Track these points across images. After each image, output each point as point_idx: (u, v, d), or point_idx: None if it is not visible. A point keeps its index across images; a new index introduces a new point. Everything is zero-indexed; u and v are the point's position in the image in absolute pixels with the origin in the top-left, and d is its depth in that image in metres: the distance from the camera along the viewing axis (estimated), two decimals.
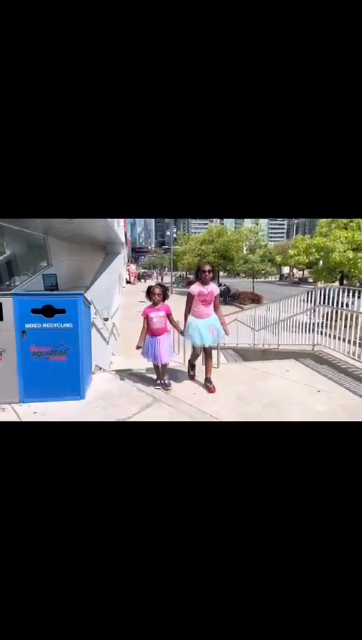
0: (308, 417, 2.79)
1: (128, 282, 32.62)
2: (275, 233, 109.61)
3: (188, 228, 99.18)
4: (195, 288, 3.31)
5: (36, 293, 3.27)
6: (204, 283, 3.30)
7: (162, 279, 39.32)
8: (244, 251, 24.48)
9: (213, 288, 3.34)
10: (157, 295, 3.36)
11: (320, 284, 5.23)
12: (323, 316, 4.60)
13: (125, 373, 3.88)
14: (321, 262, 13.61)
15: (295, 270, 41.96)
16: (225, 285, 21.22)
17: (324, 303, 4.51)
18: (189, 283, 32.42)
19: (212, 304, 3.36)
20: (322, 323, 4.58)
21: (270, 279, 35.08)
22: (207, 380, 3.41)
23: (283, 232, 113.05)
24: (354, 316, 3.98)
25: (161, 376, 3.46)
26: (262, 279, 28.17)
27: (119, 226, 16.83)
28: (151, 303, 3.40)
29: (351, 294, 4.09)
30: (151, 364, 3.57)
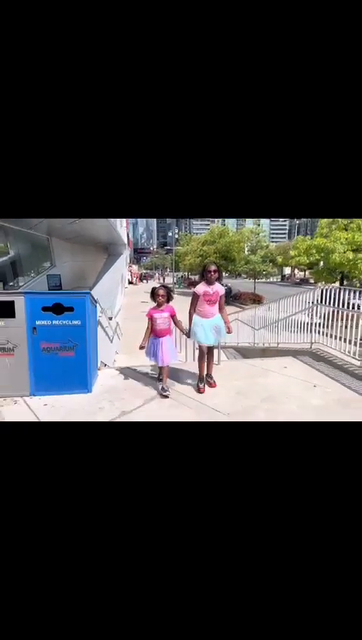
0: (303, 410, 2.94)
1: (130, 283, 32.83)
2: (277, 234, 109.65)
3: (190, 229, 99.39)
4: (201, 288, 3.33)
5: (46, 292, 3.44)
6: (210, 283, 3.31)
7: (164, 280, 39.47)
8: (246, 252, 24.63)
9: (219, 288, 3.36)
10: (161, 296, 3.35)
11: (320, 285, 5.37)
12: (322, 316, 4.74)
13: (129, 370, 4.05)
14: (322, 263, 13.75)
15: (296, 271, 42.07)
16: (226, 286, 21.36)
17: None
18: (191, 284, 32.65)
19: (217, 304, 3.38)
20: (321, 323, 4.72)
21: (271, 280, 35.25)
22: (208, 375, 3.56)
23: (284, 233, 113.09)
24: (355, 316, 4.09)
25: (163, 380, 3.41)
26: (264, 280, 28.35)
27: (122, 227, 17.00)
28: (155, 304, 3.42)
29: (358, 295, 4.15)
30: (154, 362, 3.64)
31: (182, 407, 3.03)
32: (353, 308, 4.21)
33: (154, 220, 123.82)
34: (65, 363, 3.17)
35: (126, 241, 21.91)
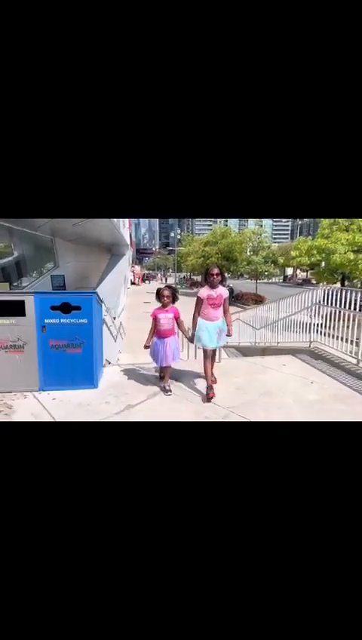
0: (299, 405, 3.08)
1: (133, 283, 32.98)
2: (279, 234, 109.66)
3: (193, 229, 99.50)
4: (204, 292, 3.29)
5: (55, 292, 3.59)
6: (213, 286, 3.27)
7: (166, 280, 39.61)
8: (248, 253, 24.76)
9: (222, 291, 3.31)
10: (166, 297, 3.37)
11: (322, 285, 5.49)
12: (323, 316, 4.84)
13: (133, 367, 4.20)
14: (323, 263, 13.87)
15: (298, 271, 42.14)
16: (229, 286, 21.39)
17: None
18: (193, 284, 32.77)
19: (221, 307, 3.34)
20: (323, 324, 4.81)
21: (273, 280, 35.35)
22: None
23: (287, 234, 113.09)
24: (354, 316, 4.20)
25: (164, 380, 3.47)
26: (265, 280, 28.47)
27: (124, 228, 17.16)
28: (160, 305, 3.44)
29: None
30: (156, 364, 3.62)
31: (183, 401, 3.17)
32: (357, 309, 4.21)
33: (157, 221, 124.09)
34: (73, 359, 3.32)
35: (128, 241, 22.07)
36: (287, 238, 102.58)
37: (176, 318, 3.43)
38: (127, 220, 19.54)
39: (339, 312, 4.43)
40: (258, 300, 20.09)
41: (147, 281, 40.44)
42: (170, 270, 47.97)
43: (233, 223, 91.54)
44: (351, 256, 12.00)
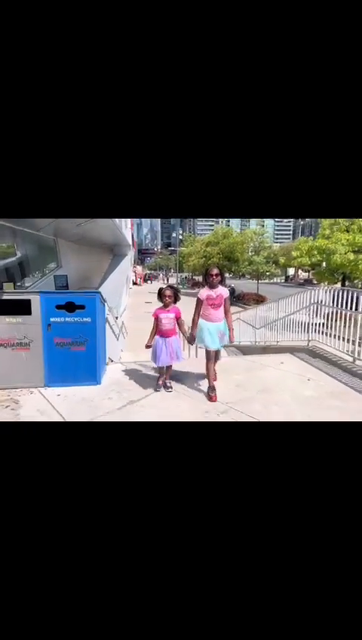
0: (296, 401, 3.18)
1: (135, 284, 33.09)
2: (282, 234, 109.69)
3: (194, 229, 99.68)
4: (204, 293, 3.27)
5: (60, 292, 3.71)
6: (212, 287, 3.26)
7: (168, 280, 39.71)
8: (249, 253, 24.84)
9: (223, 291, 3.29)
10: (168, 297, 3.37)
11: (323, 285, 5.58)
12: (324, 316, 4.92)
13: (135, 365, 4.31)
14: (324, 263, 13.96)
15: (300, 271, 42.18)
16: (230, 286, 21.53)
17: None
18: (195, 284, 32.85)
19: (222, 307, 3.32)
20: (323, 323, 4.89)
21: (275, 280, 35.41)
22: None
23: (289, 234, 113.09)
24: (353, 316, 4.27)
25: (165, 378, 3.50)
26: (267, 281, 28.54)
27: (127, 228, 17.25)
28: (161, 305, 3.44)
29: None
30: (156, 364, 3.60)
31: (183, 397, 3.29)
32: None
33: (159, 221, 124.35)
34: (77, 357, 3.44)
35: (131, 242, 22.17)
36: (289, 238, 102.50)
37: (177, 318, 3.45)
38: (129, 221, 19.63)
39: (336, 311, 4.53)
40: (259, 300, 20.16)
41: (149, 282, 40.55)
42: (172, 270, 48.09)
43: (235, 223, 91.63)
44: (351, 256, 12.08)
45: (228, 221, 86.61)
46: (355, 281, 13.72)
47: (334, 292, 4.66)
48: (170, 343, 3.40)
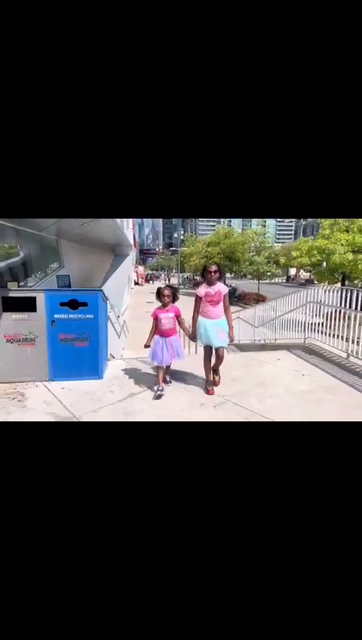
0: (291, 394, 3.32)
1: (136, 284, 33.19)
2: (283, 234, 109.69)
3: (196, 229, 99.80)
4: (202, 289, 3.32)
5: (63, 289, 3.86)
6: (211, 283, 3.30)
7: (169, 280, 39.84)
8: (250, 253, 24.94)
9: (221, 288, 3.31)
10: (166, 297, 3.39)
11: (323, 285, 5.69)
12: (324, 316, 5.03)
13: (135, 360, 4.45)
14: (324, 263, 14.06)
15: (301, 271, 42.23)
16: (231, 286, 21.68)
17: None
18: (196, 284, 32.90)
19: (221, 304, 3.33)
20: (323, 323, 4.99)
21: (276, 280, 35.49)
22: (214, 371, 3.56)
23: (290, 234, 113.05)
24: (344, 314, 4.41)
25: (164, 374, 3.52)
26: (268, 281, 28.63)
27: (128, 229, 17.39)
28: (160, 304, 3.46)
29: None
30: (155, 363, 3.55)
31: (181, 390, 3.43)
32: None
33: (160, 221, 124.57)
34: (80, 352, 3.59)
35: (132, 242, 22.31)
36: (291, 238, 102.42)
37: (177, 317, 3.47)
38: (130, 221, 19.77)
39: (331, 310, 4.67)
40: (259, 299, 20.23)
41: (150, 282, 40.64)
42: (173, 270, 48.24)
43: (236, 223, 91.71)
44: (350, 256, 12.16)
45: (230, 221, 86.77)
46: (355, 281, 13.81)
47: (329, 292, 4.79)
48: (171, 343, 3.43)
